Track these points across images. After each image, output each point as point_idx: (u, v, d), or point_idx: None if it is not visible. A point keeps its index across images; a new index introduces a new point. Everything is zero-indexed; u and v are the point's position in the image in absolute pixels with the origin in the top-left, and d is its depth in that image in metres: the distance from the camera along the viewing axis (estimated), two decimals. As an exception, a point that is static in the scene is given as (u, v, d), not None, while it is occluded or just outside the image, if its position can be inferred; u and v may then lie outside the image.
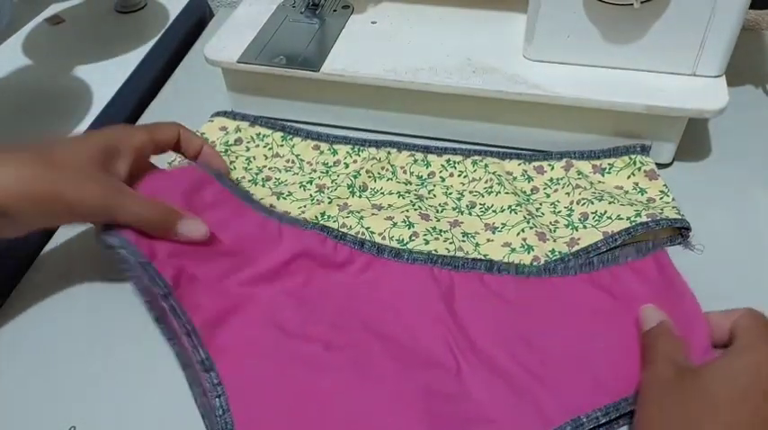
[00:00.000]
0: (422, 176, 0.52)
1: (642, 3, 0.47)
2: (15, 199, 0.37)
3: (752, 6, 0.48)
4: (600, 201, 0.48)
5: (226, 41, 0.57)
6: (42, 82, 0.63)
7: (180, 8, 0.72)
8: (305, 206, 0.50)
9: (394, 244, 0.46)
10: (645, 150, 0.51)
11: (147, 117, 0.62)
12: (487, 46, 0.55)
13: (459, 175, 0.52)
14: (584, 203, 0.48)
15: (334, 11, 0.60)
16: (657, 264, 0.42)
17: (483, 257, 0.45)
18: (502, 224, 0.48)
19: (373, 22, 0.59)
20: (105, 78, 0.62)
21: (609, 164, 0.51)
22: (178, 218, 0.41)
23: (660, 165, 0.53)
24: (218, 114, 0.58)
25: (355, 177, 0.51)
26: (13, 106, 0.61)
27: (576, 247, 0.46)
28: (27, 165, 0.37)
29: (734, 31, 0.48)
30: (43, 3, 0.73)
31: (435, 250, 0.45)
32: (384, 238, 0.47)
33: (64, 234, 0.50)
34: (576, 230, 0.47)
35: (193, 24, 0.75)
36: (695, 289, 0.43)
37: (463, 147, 0.54)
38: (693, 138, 0.54)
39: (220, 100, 0.60)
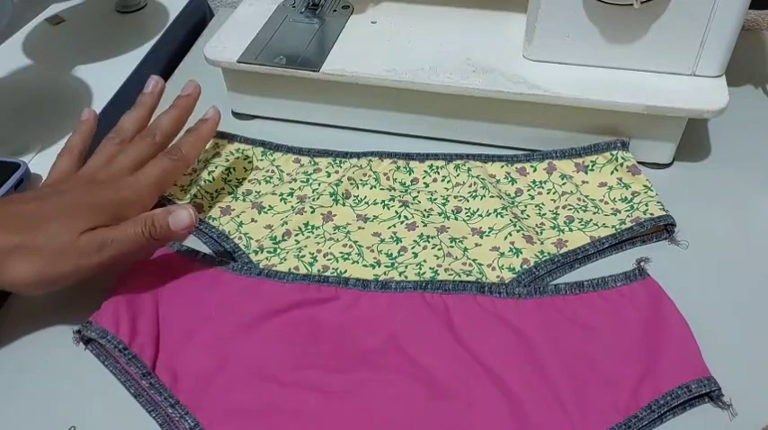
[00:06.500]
0: (405, 183, 0.52)
1: (642, 3, 0.47)
2: (14, 286, 0.40)
3: (752, 6, 0.48)
4: (584, 211, 0.48)
5: (226, 41, 0.57)
6: (42, 82, 0.63)
7: (180, 8, 0.73)
8: (287, 216, 0.49)
9: (383, 257, 0.46)
10: (624, 146, 0.51)
11: (147, 117, 0.62)
12: (487, 46, 0.55)
13: (443, 180, 0.51)
14: (570, 209, 0.49)
15: (334, 11, 0.60)
16: (646, 289, 0.41)
17: (473, 280, 0.44)
18: (489, 228, 0.47)
19: (373, 22, 0.59)
20: (105, 78, 0.63)
21: (591, 161, 0.51)
22: (167, 214, 0.42)
23: (660, 165, 0.53)
24: None
25: (337, 185, 0.51)
26: (13, 106, 0.61)
27: (565, 249, 0.46)
28: (22, 261, 0.39)
29: (734, 31, 0.48)
30: (43, 3, 0.73)
31: (425, 260, 0.45)
32: (373, 251, 0.47)
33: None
34: (563, 233, 0.47)
35: (193, 24, 0.75)
36: (692, 289, 0.43)
37: (445, 151, 0.53)
38: (693, 138, 0.54)
39: (220, 100, 0.60)
